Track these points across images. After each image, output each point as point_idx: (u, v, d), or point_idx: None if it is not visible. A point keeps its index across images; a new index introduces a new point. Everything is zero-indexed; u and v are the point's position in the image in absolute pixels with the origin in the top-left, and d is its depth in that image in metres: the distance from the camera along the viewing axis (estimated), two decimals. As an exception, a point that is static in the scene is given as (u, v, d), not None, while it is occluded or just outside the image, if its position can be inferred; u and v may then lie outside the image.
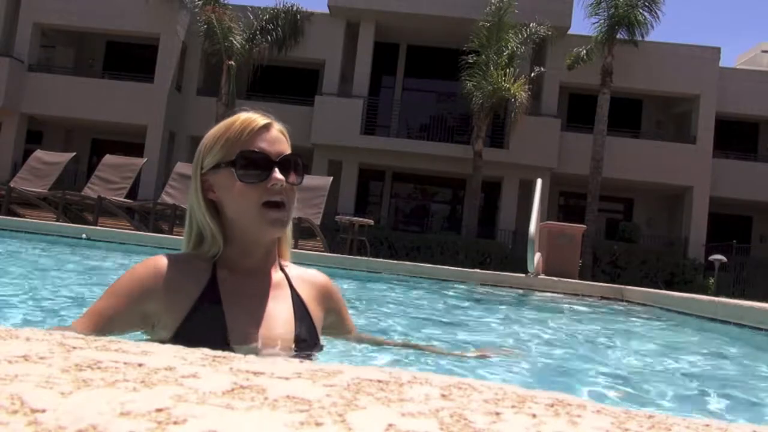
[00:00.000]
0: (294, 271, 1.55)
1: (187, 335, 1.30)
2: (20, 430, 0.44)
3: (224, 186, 1.38)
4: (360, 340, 1.72)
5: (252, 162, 1.36)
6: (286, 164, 1.39)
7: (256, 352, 1.32)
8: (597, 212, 17.78)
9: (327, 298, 1.58)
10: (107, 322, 1.29)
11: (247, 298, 1.41)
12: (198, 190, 1.42)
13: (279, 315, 1.42)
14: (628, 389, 1.92)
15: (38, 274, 3.94)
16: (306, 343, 1.44)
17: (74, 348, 0.70)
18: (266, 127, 1.40)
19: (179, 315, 1.32)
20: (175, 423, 0.47)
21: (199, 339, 1.25)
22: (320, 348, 1.49)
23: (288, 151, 1.42)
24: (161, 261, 1.37)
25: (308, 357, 1.43)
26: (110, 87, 19.39)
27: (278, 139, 1.41)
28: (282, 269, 1.52)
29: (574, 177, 18.89)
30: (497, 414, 0.57)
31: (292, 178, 1.40)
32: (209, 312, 1.34)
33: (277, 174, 1.36)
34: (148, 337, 1.36)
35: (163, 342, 1.26)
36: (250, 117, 1.40)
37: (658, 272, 17.13)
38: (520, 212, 17.85)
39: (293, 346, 1.41)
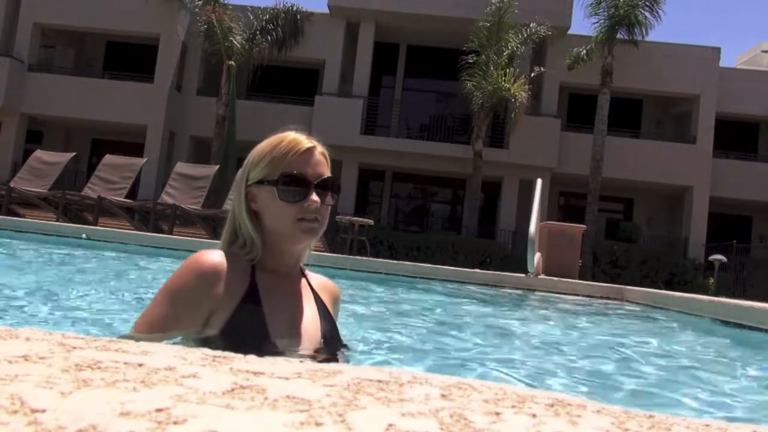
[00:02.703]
0: (312, 275, 1.67)
1: (232, 333, 1.38)
2: (20, 430, 0.44)
3: (265, 200, 1.50)
4: None
5: (292, 183, 1.47)
6: (323, 186, 1.50)
7: (293, 348, 1.44)
8: (597, 212, 17.76)
9: (335, 304, 1.71)
10: (174, 326, 1.38)
11: (281, 298, 1.51)
12: (242, 199, 1.53)
13: (308, 314, 1.54)
14: (628, 389, 1.92)
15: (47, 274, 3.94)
16: (331, 340, 1.56)
17: (74, 348, 0.70)
18: (310, 151, 1.52)
19: (227, 313, 1.41)
20: (175, 423, 0.47)
21: (243, 336, 1.37)
22: (344, 345, 1.61)
23: (327, 173, 1.53)
24: (213, 259, 1.45)
25: (336, 353, 1.55)
26: (110, 87, 19.36)
27: (319, 161, 1.53)
28: (303, 274, 1.64)
29: (574, 177, 18.88)
30: (497, 414, 0.57)
31: (328, 199, 1.51)
32: (252, 311, 1.43)
33: (314, 196, 1.47)
34: (197, 336, 1.40)
35: (211, 340, 1.34)
36: (296, 139, 1.51)
37: (658, 272, 17.11)
38: (520, 212, 17.83)
39: (321, 343, 1.52)
